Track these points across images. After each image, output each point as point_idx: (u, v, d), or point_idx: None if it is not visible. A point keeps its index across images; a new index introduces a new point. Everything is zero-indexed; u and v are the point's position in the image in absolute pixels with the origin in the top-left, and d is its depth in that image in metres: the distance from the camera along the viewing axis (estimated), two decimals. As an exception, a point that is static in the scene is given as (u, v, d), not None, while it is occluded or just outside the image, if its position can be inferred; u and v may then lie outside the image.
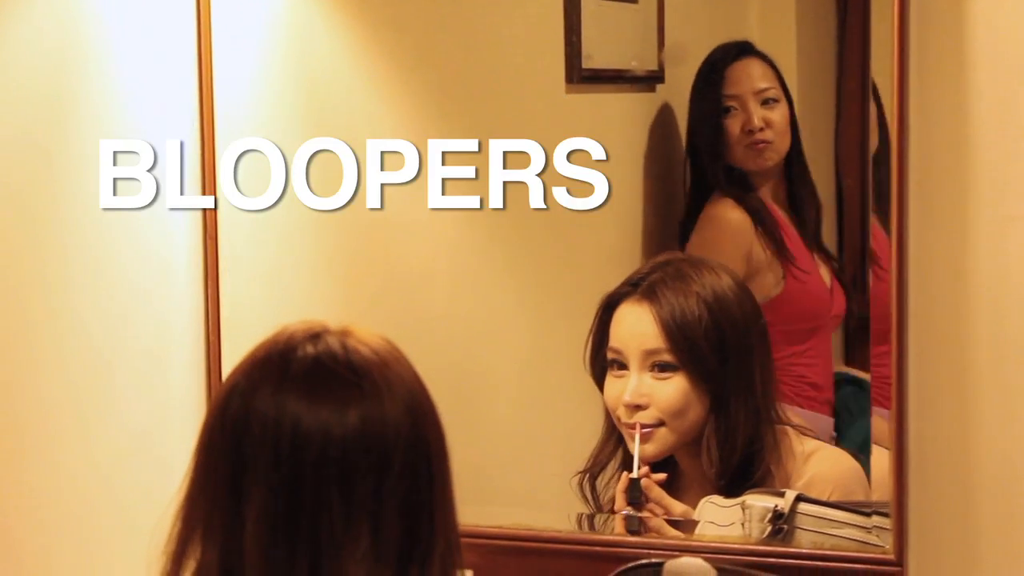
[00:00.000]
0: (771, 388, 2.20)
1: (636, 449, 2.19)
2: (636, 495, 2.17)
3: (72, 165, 2.19)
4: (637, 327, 2.21)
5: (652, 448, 2.20)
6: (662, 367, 2.19)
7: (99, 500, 2.23)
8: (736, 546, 2.09)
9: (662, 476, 2.20)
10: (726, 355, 2.18)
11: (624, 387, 2.21)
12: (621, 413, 2.22)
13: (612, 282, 2.28)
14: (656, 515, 2.18)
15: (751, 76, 2.28)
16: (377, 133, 2.38)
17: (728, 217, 2.33)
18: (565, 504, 2.30)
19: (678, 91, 2.44)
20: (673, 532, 2.17)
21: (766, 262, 2.30)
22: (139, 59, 2.26)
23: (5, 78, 2.09)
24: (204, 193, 2.32)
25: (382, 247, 2.40)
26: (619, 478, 2.24)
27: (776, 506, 2.09)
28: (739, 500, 2.13)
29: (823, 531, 2.08)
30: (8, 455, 2.13)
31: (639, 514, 2.18)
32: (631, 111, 2.48)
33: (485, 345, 2.46)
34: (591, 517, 2.29)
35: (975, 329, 1.93)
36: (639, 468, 2.18)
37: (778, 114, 2.27)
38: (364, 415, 1.38)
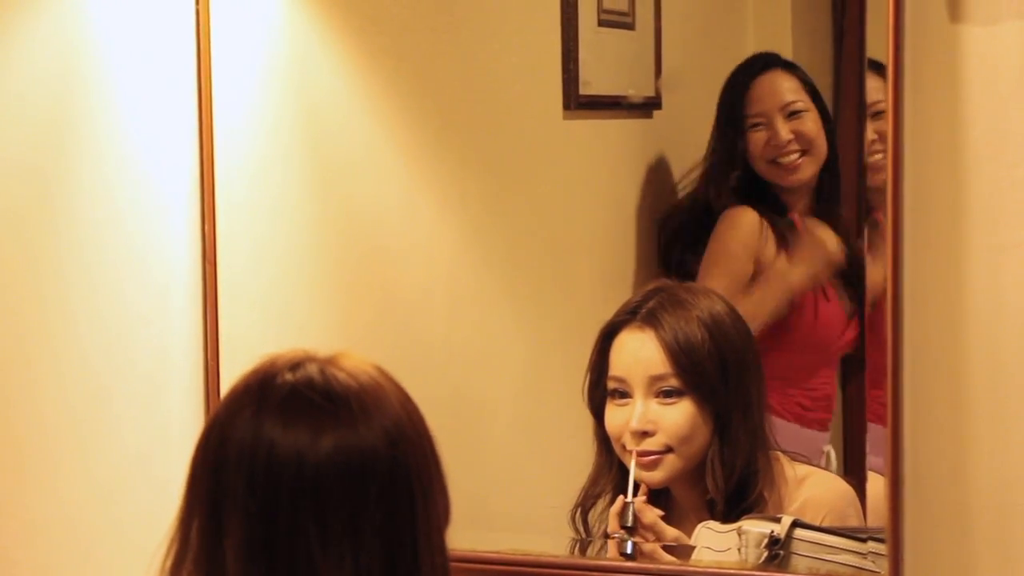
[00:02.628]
0: (764, 411, 2.21)
1: (632, 472, 2.19)
2: (629, 518, 2.17)
3: (70, 188, 2.20)
4: (641, 353, 2.21)
5: (660, 475, 2.20)
6: (667, 393, 2.19)
7: (98, 523, 2.23)
8: (732, 571, 2.10)
9: (659, 512, 2.20)
10: (727, 377, 2.18)
11: (628, 415, 2.20)
12: (627, 440, 2.21)
13: (609, 307, 2.29)
14: (648, 540, 2.18)
15: (776, 91, 2.25)
16: (376, 160, 2.39)
17: (737, 216, 2.30)
18: (562, 529, 2.30)
19: (675, 117, 2.45)
20: (667, 558, 2.17)
21: (778, 271, 2.29)
22: (138, 83, 2.27)
23: (5, 105, 2.10)
24: (203, 218, 2.33)
25: (380, 272, 2.41)
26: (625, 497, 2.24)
27: (772, 531, 2.09)
28: (735, 525, 2.13)
29: (819, 557, 2.08)
30: (8, 479, 2.13)
31: (632, 539, 2.18)
32: (628, 137, 2.49)
33: (482, 370, 2.47)
34: (584, 543, 2.29)
35: (970, 356, 1.93)
36: (634, 493, 2.18)
37: (808, 123, 2.23)
38: (338, 441, 1.38)
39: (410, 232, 2.41)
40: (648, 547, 2.17)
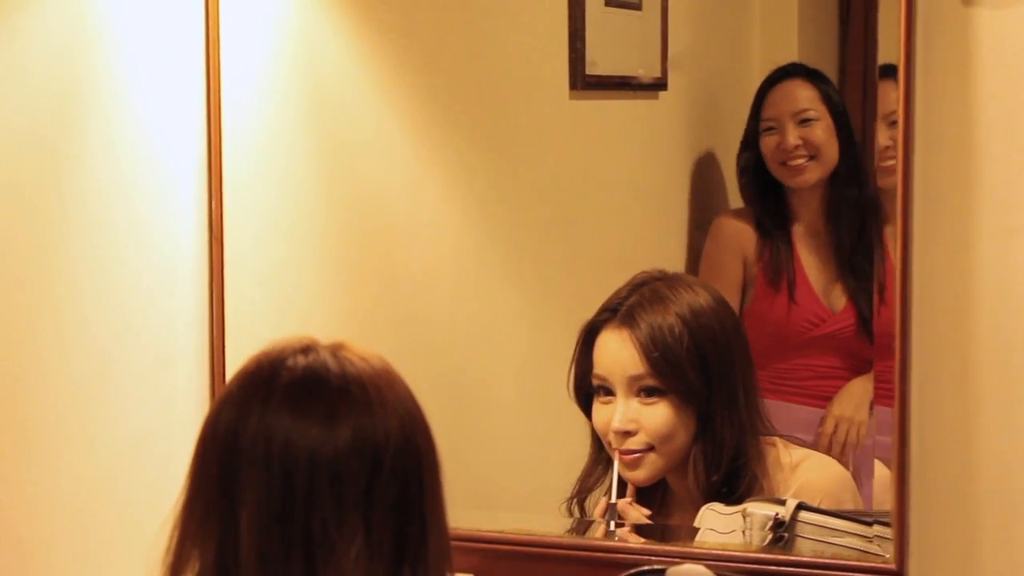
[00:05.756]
0: (755, 400, 2.21)
1: (615, 473, 2.21)
2: (613, 518, 2.20)
3: (79, 167, 2.19)
4: (619, 354, 2.21)
5: (643, 473, 2.22)
6: (648, 392, 2.20)
7: (103, 501, 2.23)
8: (737, 553, 2.09)
9: (645, 512, 2.21)
10: (709, 373, 2.18)
11: (612, 413, 2.21)
12: (612, 439, 2.22)
13: (614, 285, 2.29)
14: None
15: (790, 98, 2.32)
16: (383, 138, 2.39)
17: (724, 222, 2.38)
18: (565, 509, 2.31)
19: (681, 99, 2.45)
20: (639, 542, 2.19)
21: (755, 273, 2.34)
22: (147, 62, 2.26)
23: (14, 79, 2.09)
24: (211, 196, 2.32)
25: (386, 251, 2.41)
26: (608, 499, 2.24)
27: (777, 514, 2.09)
28: (740, 508, 2.13)
29: (824, 540, 2.08)
30: (13, 455, 2.12)
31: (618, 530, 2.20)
32: (634, 118, 2.49)
33: (486, 351, 2.47)
34: (583, 523, 2.29)
35: (978, 340, 1.93)
36: (617, 494, 2.20)
37: (818, 131, 2.31)
38: (354, 423, 1.41)
39: (416, 211, 2.41)
40: (634, 540, 2.19)
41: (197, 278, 2.33)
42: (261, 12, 2.32)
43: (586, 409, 2.27)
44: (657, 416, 2.19)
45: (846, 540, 2.07)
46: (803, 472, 2.19)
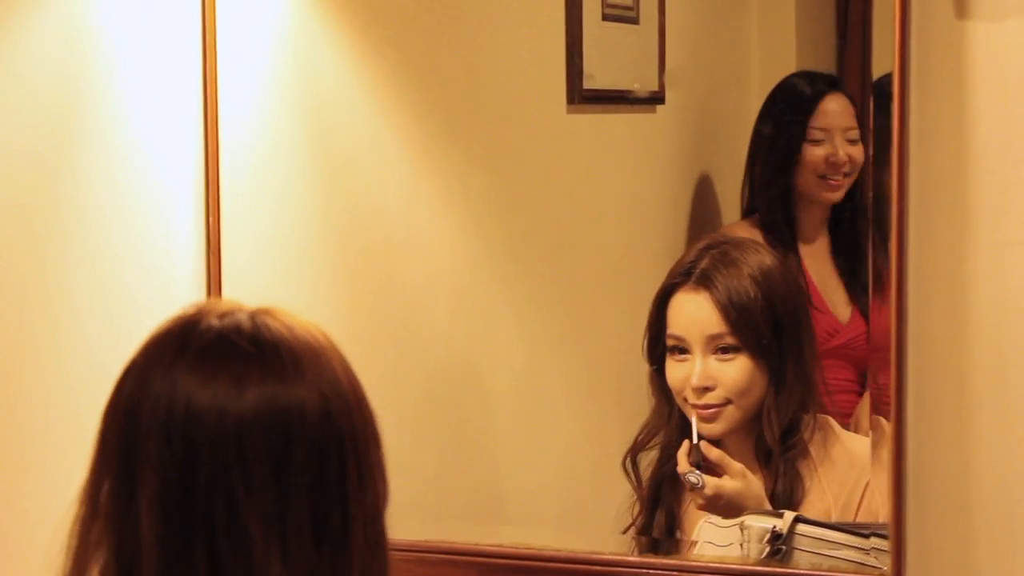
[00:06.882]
0: (816, 357, 2.27)
1: (694, 422, 2.24)
2: (698, 457, 2.23)
3: (74, 179, 2.19)
4: (697, 314, 2.26)
5: (720, 427, 2.26)
6: (725, 349, 2.25)
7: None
8: (735, 567, 2.10)
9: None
10: (780, 331, 2.25)
11: (689, 371, 2.26)
12: (688, 395, 2.27)
13: (611, 300, 2.30)
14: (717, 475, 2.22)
15: (841, 113, 2.33)
16: (381, 152, 2.39)
17: (737, 231, 2.38)
18: (565, 522, 2.31)
19: (679, 112, 2.46)
20: (731, 485, 2.20)
21: None
22: (144, 74, 2.26)
23: (10, 91, 2.09)
24: (208, 211, 2.32)
25: (383, 265, 2.41)
26: (660, 461, 2.30)
27: (774, 527, 2.10)
28: (738, 520, 2.14)
29: (821, 552, 2.08)
30: (9, 471, 2.12)
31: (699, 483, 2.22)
32: (632, 132, 2.49)
33: (483, 364, 2.47)
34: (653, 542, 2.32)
35: (974, 352, 1.93)
36: (699, 437, 2.24)
37: (859, 151, 2.31)
38: (264, 392, 1.29)
39: (413, 225, 2.41)
40: (712, 484, 2.21)
41: (195, 293, 2.32)
42: (258, 27, 2.33)
43: (656, 367, 2.30)
44: (735, 371, 2.24)
45: (843, 552, 2.07)
46: (848, 441, 2.24)
